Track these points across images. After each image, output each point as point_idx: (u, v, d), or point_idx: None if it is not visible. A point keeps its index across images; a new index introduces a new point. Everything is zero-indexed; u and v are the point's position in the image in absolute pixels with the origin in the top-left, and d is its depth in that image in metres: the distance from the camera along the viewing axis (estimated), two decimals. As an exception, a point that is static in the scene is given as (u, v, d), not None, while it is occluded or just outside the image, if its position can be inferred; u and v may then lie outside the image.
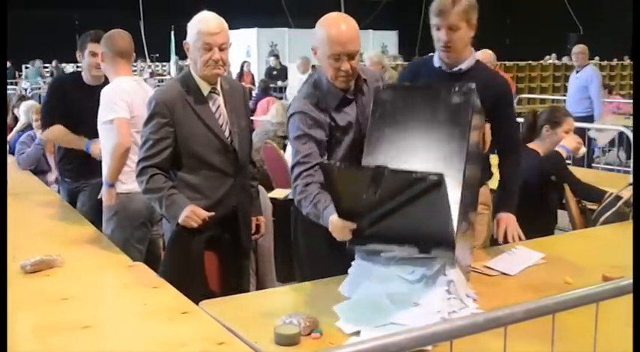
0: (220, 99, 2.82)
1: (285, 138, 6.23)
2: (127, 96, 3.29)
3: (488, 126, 2.52)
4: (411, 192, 1.85)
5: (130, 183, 3.25)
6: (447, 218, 1.91)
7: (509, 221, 2.71)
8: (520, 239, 2.70)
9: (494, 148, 2.82)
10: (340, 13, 2.54)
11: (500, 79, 2.95)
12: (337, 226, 2.10)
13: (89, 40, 3.79)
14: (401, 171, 1.91)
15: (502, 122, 2.72)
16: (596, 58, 15.50)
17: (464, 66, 2.73)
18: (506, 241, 2.71)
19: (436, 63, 2.79)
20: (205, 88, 2.77)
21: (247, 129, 2.97)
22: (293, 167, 2.42)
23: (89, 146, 3.79)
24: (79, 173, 3.96)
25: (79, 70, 4.17)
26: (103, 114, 3.32)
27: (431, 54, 2.95)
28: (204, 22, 2.69)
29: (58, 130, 3.88)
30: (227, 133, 2.79)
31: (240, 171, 2.85)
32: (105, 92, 3.33)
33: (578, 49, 8.22)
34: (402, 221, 1.97)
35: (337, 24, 2.41)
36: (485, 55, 6.40)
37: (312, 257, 2.60)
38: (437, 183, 1.78)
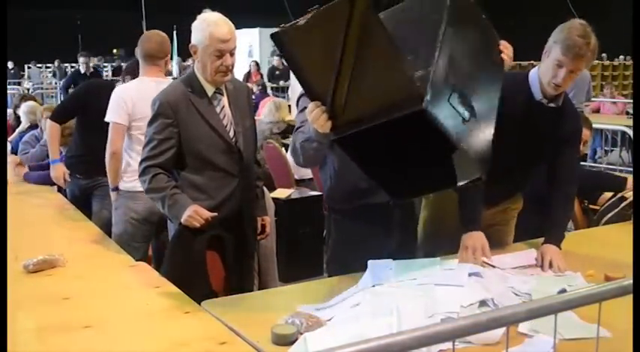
0: (224, 100, 2.81)
1: (283, 136, 6.24)
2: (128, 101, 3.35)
3: (505, 42, 2.37)
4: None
5: (130, 182, 3.34)
6: (397, 55, 1.80)
7: (554, 255, 2.56)
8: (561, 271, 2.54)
9: (549, 179, 2.74)
10: None
11: (577, 111, 2.89)
12: (312, 110, 2.02)
13: None
14: None
15: (568, 153, 2.70)
16: (603, 54, 15.46)
17: (560, 102, 2.63)
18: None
19: (537, 96, 2.59)
20: (210, 89, 2.76)
21: (252, 129, 2.96)
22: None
23: (54, 165, 4.03)
24: (92, 170, 3.94)
25: None
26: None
27: (519, 76, 2.69)
28: (215, 27, 2.65)
29: (53, 128, 4.02)
30: (231, 133, 2.78)
31: (245, 171, 2.84)
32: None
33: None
34: (364, 88, 1.89)
35: None
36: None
37: (345, 261, 2.56)
38: None
